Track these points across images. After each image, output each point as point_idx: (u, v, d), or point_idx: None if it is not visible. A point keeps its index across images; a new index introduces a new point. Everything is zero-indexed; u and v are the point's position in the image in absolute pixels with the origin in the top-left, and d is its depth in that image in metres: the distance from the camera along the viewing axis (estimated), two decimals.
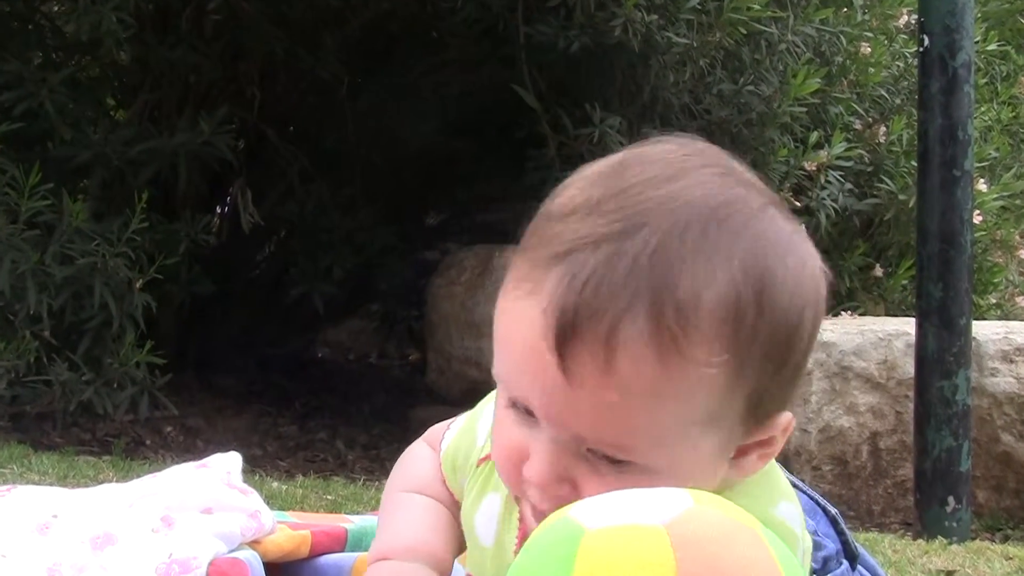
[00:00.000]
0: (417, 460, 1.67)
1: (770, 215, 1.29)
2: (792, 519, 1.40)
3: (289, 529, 1.86)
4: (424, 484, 1.63)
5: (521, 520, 1.46)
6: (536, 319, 1.24)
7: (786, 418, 1.32)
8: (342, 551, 1.85)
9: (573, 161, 4.75)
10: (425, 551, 1.57)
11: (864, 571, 1.86)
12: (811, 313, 1.29)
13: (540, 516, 1.32)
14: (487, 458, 1.53)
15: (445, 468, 1.61)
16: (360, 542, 1.83)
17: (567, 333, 1.22)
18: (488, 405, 1.57)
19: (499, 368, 1.32)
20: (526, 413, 1.30)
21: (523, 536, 1.47)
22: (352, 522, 1.89)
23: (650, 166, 1.29)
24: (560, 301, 1.22)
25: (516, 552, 1.46)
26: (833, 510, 1.84)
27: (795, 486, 1.82)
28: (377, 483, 4.12)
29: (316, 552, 1.86)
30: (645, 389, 1.21)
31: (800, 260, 1.29)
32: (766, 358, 1.25)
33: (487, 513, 1.51)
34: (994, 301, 6.24)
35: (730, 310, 1.22)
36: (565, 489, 1.29)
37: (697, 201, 1.25)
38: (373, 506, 3.48)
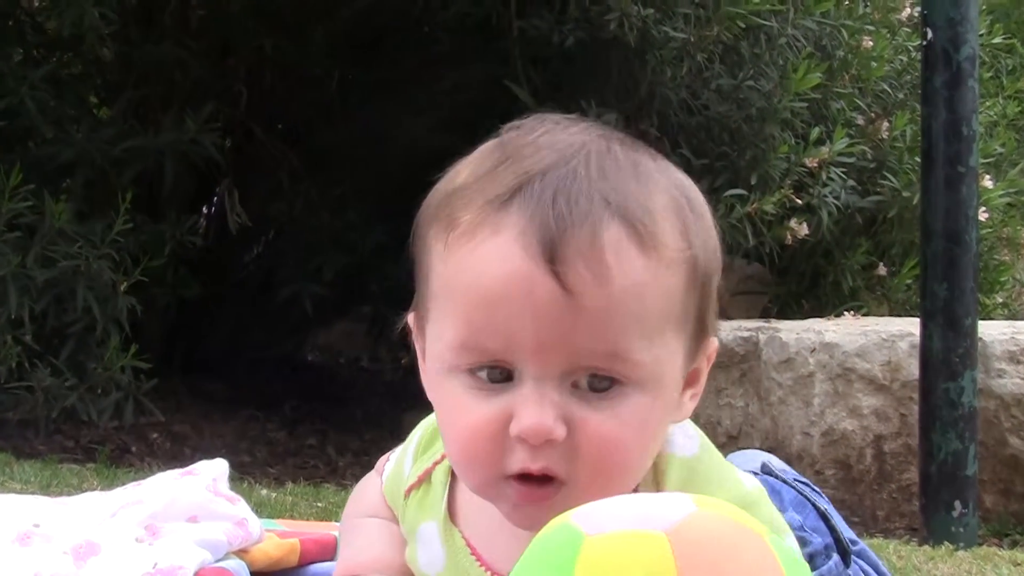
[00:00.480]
0: (368, 488, 1.72)
1: (652, 151, 1.44)
2: (760, 487, 1.51)
3: (277, 537, 1.86)
4: (376, 509, 1.67)
5: (468, 544, 1.50)
6: (511, 249, 1.30)
7: (713, 344, 1.44)
8: (332, 559, 1.85)
9: None
10: (386, 562, 1.61)
11: (864, 566, 1.86)
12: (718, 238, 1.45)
13: (530, 497, 1.35)
14: (413, 487, 1.57)
15: (387, 497, 1.65)
16: None
17: (555, 244, 1.29)
18: (417, 434, 1.62)
19: (459, 331, 1.34)
20: (499, 378, 1.33)
21: (479, 557, 1.50)
22: None
23: (537, 127, 1.42)
24: (537, 221, 1.30)
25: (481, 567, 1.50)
26: (823, 505, 1.85)
27: (783, 480, 1.85)
28: None
29: (305, 560, 1.87)
30: (634, 282, 1.30)
31: (692, 184, 1.44)
32: (707, 261, 1.38)
33: (426, 541, 1.54)
34: (1001, 300, 6.25)
35: (675, 210, 1.36)
36: (560, 430, 1.32)
37: (602, 137, 1.39)
38: None
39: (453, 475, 1.52)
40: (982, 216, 5.11)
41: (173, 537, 1.70)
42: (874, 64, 5.51)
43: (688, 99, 4.96)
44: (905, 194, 5.31)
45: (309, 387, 5.88)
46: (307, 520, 3.02)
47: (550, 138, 1.38)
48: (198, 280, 5.19)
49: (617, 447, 1.34)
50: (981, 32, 5.44)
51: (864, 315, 5.09)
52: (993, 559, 3.33)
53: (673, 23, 4.69)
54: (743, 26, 4.84)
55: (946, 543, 3.56)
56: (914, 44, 5.52)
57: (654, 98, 4.88)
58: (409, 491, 1.57)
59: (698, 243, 1.36)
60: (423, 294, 1.41)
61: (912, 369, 4.05)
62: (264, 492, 3.73)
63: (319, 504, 3.58)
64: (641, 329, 1.32)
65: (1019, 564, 3.26)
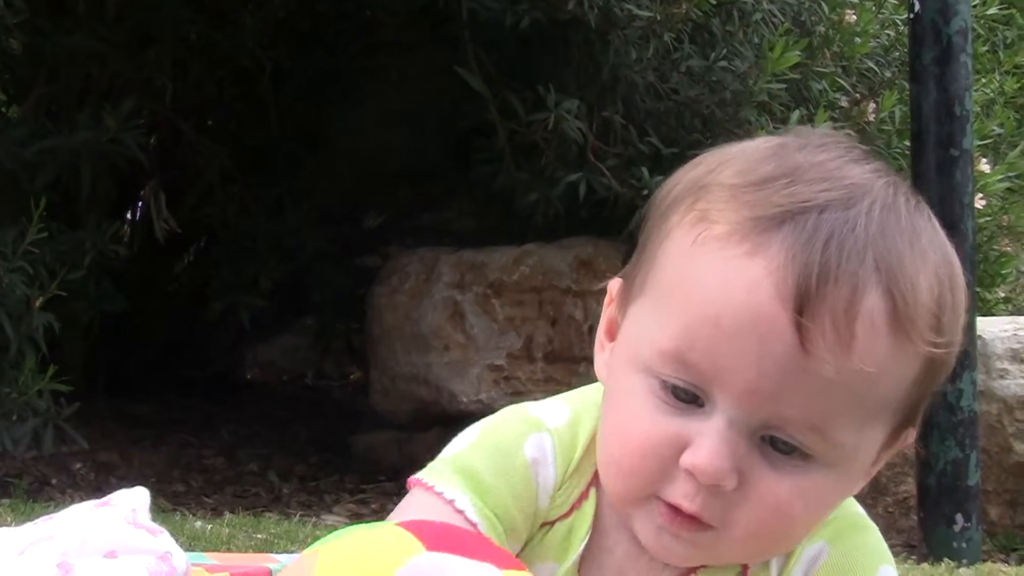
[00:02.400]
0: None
1: (928, 211, 1.39)
2: None
3: (206, 572, 1.84)
4: None
5: None
6: (763, 280, 1.27)
7: (912, 435, 1.41)
8: None
9: (526, 151, 4.76)
10: None
11: None
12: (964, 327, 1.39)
13: (674, 522, 1.33)
14: (564, 517, 1.47)
15: (491, 532, 1.45)
16: None
17: (809, 294, 1.26)
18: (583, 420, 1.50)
19: (673, 339, 1.32)
20: (686, 398, 1.31)
21: None
22: (278, 562, 1.86)
23: (825, 148, 1.36)
24: (800, 260, 1.26)
25: None
26: None
27: None
28: (315, 518, 4.10)
29: None
30: (874, 363, 1.28)
31: (958, 260, 1.39)
32: (948, 356, 1.34)
33: None
34: (1003, 295, 6.27)
35: (939, 295, 1.32)
36: (733, 481, 1.30)
37: (888, 185, 1.34)
38: (309, 544, 3.46)
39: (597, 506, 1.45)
40: (979, 203, 5.12)
41: (89, 575, 1.67)
42: (858, 40, 5.51)
43: (656, 83, 4.96)
44: None
45: (248, 408, 5.86)
46: (243, 552, 2.99)
47: (838, 168, 1.34)
48: (123, 293, 5.15)
49: (784, 515, 1.33)
50: (974, 3, 5.46)
51: None
52: None
53: (637, 0, 4.69)
54: (714, 1, 4.85)
55: (947, 560, 3.57)
56: (901, 17, 5.52)
57: (618, 82, 4.87)
58: (556, 521, 1.47)
59: (947, 336, 1.33)
60: (644, 272, 1.39)
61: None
62: (199, 524, 3.71)
63: (259, 535, 3.57)
64: (858, 413, 1.31)
65: None
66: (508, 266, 4.80)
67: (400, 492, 1.57)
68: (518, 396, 4.56)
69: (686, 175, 1.40)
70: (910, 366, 1.32)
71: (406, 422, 4.92)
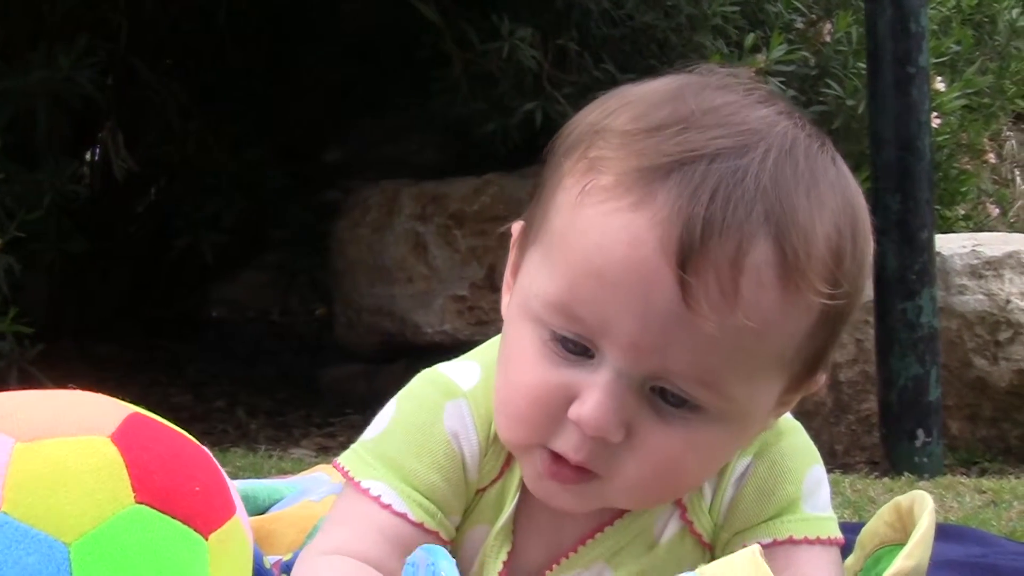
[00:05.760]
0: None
1: (833, 151, 1.38)
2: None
3: None
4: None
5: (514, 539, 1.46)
6: (647, 234, 1.25)
7: (821, 379, 1.42)
8: None
9: (481, 80, 4.73)
10: None
11: None
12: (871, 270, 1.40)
13: (556, 475, 1.35)
14: (496, 480, 1.50)
15: (423, 515, 1.48)
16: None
17: (693, 248, 1.24)
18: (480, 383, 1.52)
19: (560, 291, 1.31)
20: (576, 350, 1.32)
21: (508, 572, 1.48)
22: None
23: (727, 91, 1.34)
24: (684, 213, 1.24)
25: None
26: None
27: None
28: (280, 452, 4.11)
29: None
30: (761, 319, 1.27)
31: (864, 202, 1.38)
32: (849, 304, 1.34)
33: (471, 546, 1.50)
34: (963, 212, 6.28)
35: (835, 243, 1.30)
36: (619, 435, 1.31)
37: (789, 128, 1.32)
38: (273, 475, 3.47)
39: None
40: (936, 122, 5.12)
41: None
42: None
43: (610, 9, 4.93)
44: (850, 103, 5.30)
45: (214, 346, 5.86)
46: None
47: (735, 113, 1.31)
48: (85, 234, 5.12)
49: (673, 467, 1.34)
50: None
51: None
52: (956, 488, 3.36)
53: None
54: None
55: (907, 474, 3.59)
56: None
57: (572, 9, 4.84)
58: (488, 487, 1.50)
59: (845, 286, 1.32)
60: (539, 219, 1.38)
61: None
62: None
63: (224, 468, 3.56)
64: (747, 367, 1.30)
65: (984, 492, 3.30)
66: (469, 196, 4.79)
67: (367, 425, 1.58)
68: (481, 326, 4.57)
69: (585, 118, 1.40)
70: (802, 318, 1.31)
71: (372, 355, 4.92)
